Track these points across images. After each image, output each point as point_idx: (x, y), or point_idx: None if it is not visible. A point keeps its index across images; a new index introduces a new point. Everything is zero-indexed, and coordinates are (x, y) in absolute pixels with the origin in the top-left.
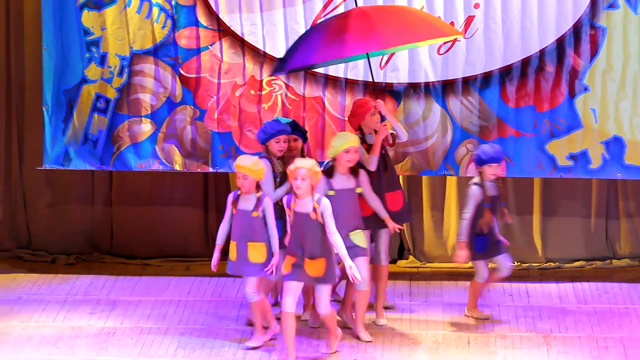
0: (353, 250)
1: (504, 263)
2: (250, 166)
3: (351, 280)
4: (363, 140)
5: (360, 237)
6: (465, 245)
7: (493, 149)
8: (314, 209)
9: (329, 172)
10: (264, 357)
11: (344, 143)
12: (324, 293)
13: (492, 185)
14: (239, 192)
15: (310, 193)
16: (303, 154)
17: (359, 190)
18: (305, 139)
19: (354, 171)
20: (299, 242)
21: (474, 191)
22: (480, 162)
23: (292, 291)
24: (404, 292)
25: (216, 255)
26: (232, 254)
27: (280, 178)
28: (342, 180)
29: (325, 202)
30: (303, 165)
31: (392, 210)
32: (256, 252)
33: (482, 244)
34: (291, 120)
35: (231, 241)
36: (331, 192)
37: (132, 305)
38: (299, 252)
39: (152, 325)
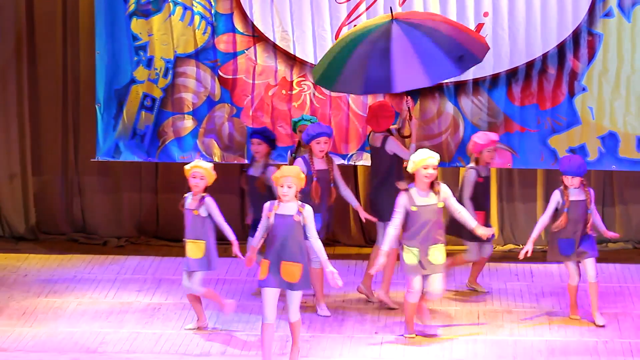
0: (430, 267)
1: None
2: (295, 175)
3: (334, 285)
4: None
5: (440, 252)
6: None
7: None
8: (299, 212)
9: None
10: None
11: (422, 159)
12: (295, 299)
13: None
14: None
15: (295, 198)
16: (268, 160)
17: (440, 205)
18: (273, 147)
19: (433, 186)
20: (278, 245)
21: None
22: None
23: (271, 302)
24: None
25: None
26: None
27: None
28: (422, 196)
29: (309, 208)
30: (289, 174)
31: None
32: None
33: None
34: (264, 127)
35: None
36: (414, 208)
37: (176, 284)
38: (276, 255)
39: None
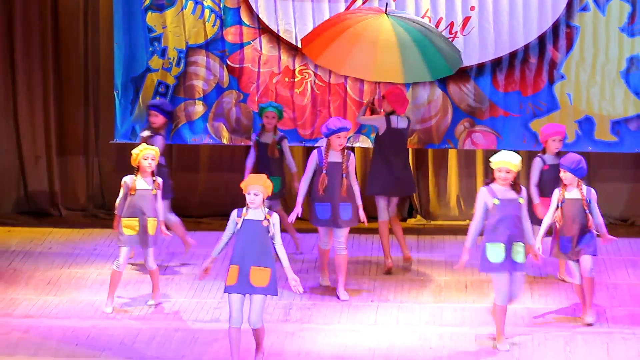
0: (512, 265)
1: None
2: (262, 184)
3: (296, 292)
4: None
5: (522, 250)
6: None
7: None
8: (266, 218)
9: (490, 182)
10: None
11: (496, 162)
12: (260, 304)
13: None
14: None
15: (262, 205)
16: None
17: (521, 200)
18: (170, 119)
19: (514, 186)
20: (246, 250)
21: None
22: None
23: (239, 307)
24: (413, 245)
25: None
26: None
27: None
28: (503, 191)
29: (276, 215)
30: (257, 182)
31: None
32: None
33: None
34: (162, 101)
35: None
36: (496, 201)
37: (188, 256)
38: (245, 261)
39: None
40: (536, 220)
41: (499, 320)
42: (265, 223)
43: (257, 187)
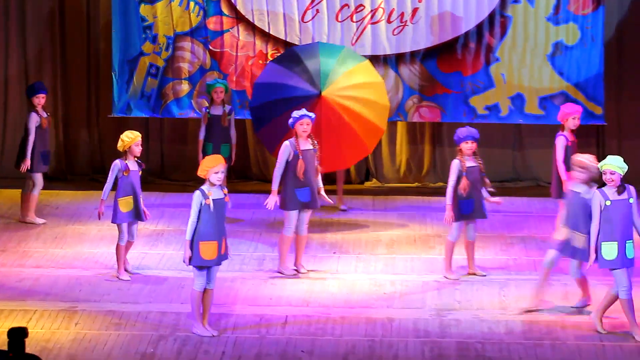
0: (626, 261)
1: (473, 230)
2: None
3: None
4: None
5: (632, 248)
6: (450, 208)
7: (467, 130)
8: (225, 194)
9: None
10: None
11: (604, 165)
12: (217, 269)
13: (470, 158)
14: None
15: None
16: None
17: (631, 200)
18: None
19: (620, 188)
20: (219, 226)
21: (455, 164)
22: (458, 140)
23: (214, 275)
24: (369, 204)
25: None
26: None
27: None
28: (613, 193)
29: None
30: (220, 162)
31: None
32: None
33: (466, 207)
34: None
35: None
36: (607, 203)
37: (176, 213)
38: (219, 235)
39: None
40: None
41: (629, 314)
42: (227, 199)
43: (220, 166)
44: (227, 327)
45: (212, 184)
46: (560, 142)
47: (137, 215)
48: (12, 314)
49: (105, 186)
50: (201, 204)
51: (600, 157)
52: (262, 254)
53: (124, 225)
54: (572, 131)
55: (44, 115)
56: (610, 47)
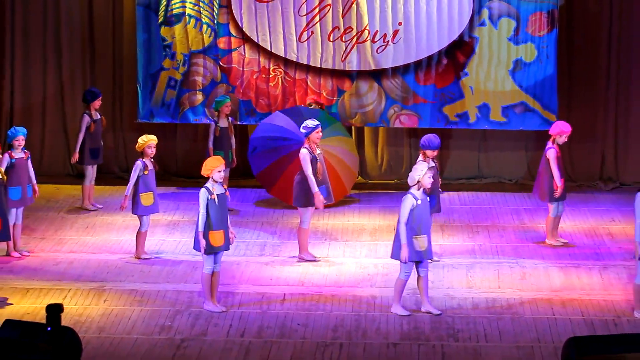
0: None
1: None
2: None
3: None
4: None
5: None
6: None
7: (435, 139)
8: (225, 189)
9: None
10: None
11: None
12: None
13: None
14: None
15: None
16: None
17: None
18: None
19: None
20: (223, 217)
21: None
22: (425, 147)
23: (219, 260)
24: (355, 197)
25: None
26: None
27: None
28: None
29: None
30: (221, 162)
31: None
32: None
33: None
34: None
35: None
36: None
37: (189, 206)
38: (225, 225)
39: None
40: (559, 197)
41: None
42: (227, 194)
43: (222, 166)
44: (233, 304)
45: (215, 182)
46: (553, 154)
47: (155, 208)
48: (49, 293)
49: (128, 184)
50: (207, 199)
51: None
52: (263, 241)
53: (145, 217)
54: (558, 145)
55: (97, 117)
56: (562, 63)
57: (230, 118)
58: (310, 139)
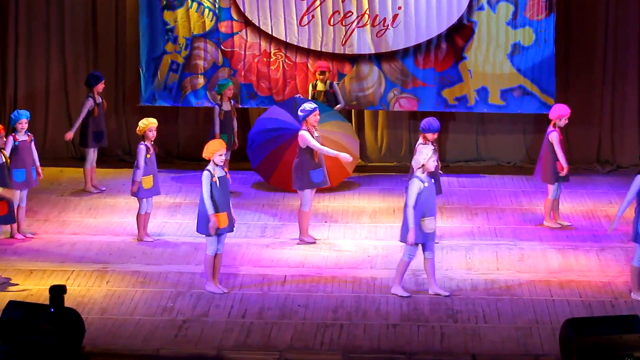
0: None
1: None
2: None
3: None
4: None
5: None
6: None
7: (434, 122)
8: (226, 172)
9: None
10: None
11: None
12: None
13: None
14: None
15: None
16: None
17: None
18: None
19: None
20: (227, 198)
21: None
22: (425, 130)
23: (223, 241)
24: (355, 180)
25: None
26: None
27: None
28: None
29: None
30: (222, 146)
31: None
32: None
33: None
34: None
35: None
36: None
37: (191, 190)
38: (228, 207)
39: None
40: (563, 178)
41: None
42: (228, 176)
43: (223, 149)
44: (234, 286)
45: (216, 165)
46: (555, 136)
47: (155, 191)
48: (53, 274)
49: (136, 170)
50: (210, 182)
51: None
52: (264, 223)
53: (144, 200)
54: (560, 127)
55: (99, 100)
56: (560, 47)
57: (232, 101)
58: (308, 122)
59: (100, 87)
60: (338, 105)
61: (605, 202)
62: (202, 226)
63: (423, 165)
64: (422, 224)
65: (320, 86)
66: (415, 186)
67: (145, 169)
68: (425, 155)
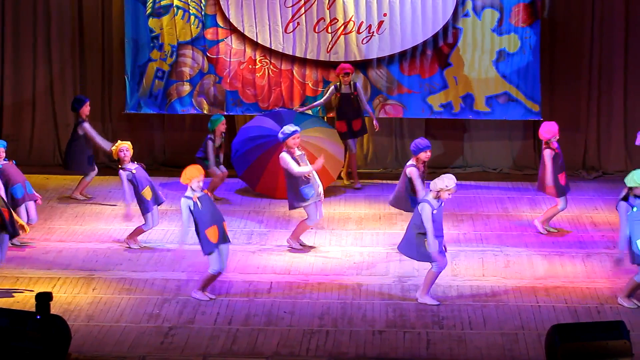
0: None
1: None
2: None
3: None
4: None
5: None
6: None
7: (422, 141)
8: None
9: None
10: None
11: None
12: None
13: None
14: None
15: None
16: None
17: None
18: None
19: None
20: (214, 213)
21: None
22: (415, 151)
23: (224, 257)
24: (341, 187)
25: None
26: None
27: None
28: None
29: None
30: (201, 173)
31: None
32: None
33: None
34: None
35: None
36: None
37: (178, 194)
38: (218, 221)
39: None
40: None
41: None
42: (207, 192)
43: (202, 176)
44: (220, 292)
45: (193, 190)
46: (548, 154)
47: (156, 200)
48: (39, 281)
49: (125, 196)
50: (189, 207)
51: (536, 146)
52: (250, 230)
53: (150, 215)
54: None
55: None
56: (545, 54)
57: (223, 134)
58: (287, 144)
59: (86, 109)
60: (374, 122)
61: (591, 208)
62: (205, 246)
63: (439, 191)
64: (425, 244)
65: (344, 88)
66: (428, 211)
67: (141, 184)
68: (447, 183)
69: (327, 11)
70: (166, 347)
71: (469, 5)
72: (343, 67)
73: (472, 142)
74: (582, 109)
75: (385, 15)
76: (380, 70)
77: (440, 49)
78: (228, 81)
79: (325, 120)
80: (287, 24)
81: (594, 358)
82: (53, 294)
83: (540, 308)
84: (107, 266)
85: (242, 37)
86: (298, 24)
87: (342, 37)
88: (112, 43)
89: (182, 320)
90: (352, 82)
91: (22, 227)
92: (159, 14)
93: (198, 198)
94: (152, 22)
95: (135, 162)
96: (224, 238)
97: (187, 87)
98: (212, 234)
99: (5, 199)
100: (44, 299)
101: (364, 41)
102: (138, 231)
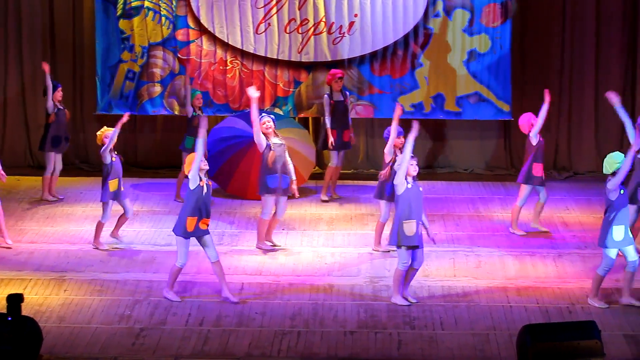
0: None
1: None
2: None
3: None
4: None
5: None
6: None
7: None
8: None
9: None
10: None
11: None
12: (212, 240)
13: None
14: None
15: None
16: None
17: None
18: None
19: None
20: (208, 205)
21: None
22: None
23: (209, 247)
24: (312, 187)
25: None
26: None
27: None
28: None
29: None
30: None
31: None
32: None
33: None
34: None
35: None
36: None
37: (149, 195)
38: (203, 214)
39: (163, 209)
40: (538, 181)
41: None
42: (209, 182)
43: (202, 158)
44: (192, 294)
45: (201, 178)
46: (528, 142)
47: (116, 196)
48: (10, 283)
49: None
50: (199, 180)
51: (507, 146)
52: (222, 231)
53: (109, 205)
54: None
55: (61, 107)
56: (516, 53)
57: (200, 109)
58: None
59: (58, 94)
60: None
61: (562, 209)
62: (176, 226)
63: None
64: (405, 225)
65: (336, 95)
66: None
67: (112, 173)
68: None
69: (298, 12)
70: (138, 349)
71: (439, 6)
72: (334, 73)
73: (443, 142)
74: (552, 109)
75: (356, 15)
76: (352, 71)
77: (411, 49)
78: (199, 82)
79: (297, 120)
80: (258, 25)
81: (566, 358)
82: (24, 296)
83: (512, 308)
84: (78, 267)
85: (213, 38)
86: (269, 24)
87: (313, 37)
88: (83, 44)
89: (154, 321)
90: (342, 89)
91: None
92: (129, 15)
93: (205, 184)
94: (122, 24)
95: (116, 152)
96: (195, 231)
97: (158, 88)
98: (190, 223)
99: None
100: (15, 300)
101: (335, 42)
102: (99, 228)
